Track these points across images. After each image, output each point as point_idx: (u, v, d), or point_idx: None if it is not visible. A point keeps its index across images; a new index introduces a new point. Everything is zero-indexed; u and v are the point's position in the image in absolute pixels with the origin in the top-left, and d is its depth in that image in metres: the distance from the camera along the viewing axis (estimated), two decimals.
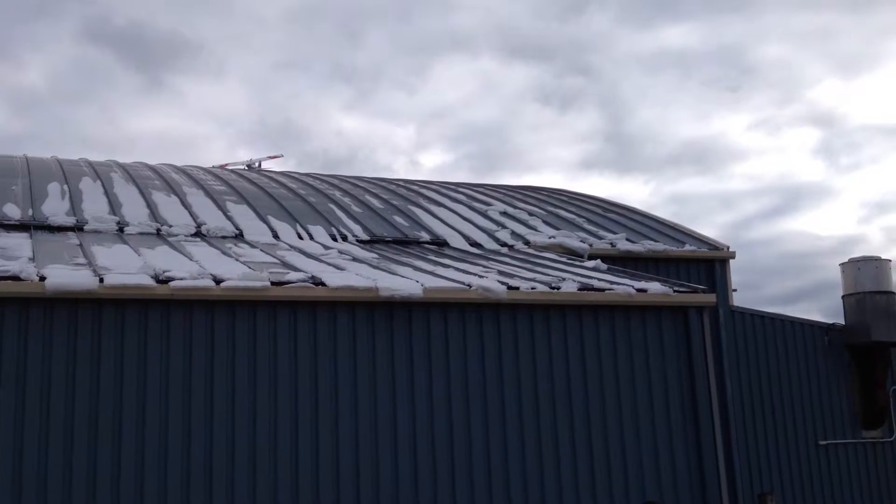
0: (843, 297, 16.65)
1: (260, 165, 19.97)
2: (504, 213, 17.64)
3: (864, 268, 16.46)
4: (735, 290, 17.66)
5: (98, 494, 8.85)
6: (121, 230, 13.68)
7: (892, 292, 16.41)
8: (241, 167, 19.77)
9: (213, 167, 19.66)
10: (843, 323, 16.45)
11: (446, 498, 9.89)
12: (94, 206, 14.56)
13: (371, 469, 9.73)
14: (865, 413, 16.09)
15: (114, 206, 14.73)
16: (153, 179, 17.13)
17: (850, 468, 15.78)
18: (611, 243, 15.94)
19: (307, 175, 20.17)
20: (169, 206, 15.21)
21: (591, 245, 15.65)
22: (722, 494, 10.76)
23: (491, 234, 16.03)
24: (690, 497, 10.72)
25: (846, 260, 16.82)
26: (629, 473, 10.56)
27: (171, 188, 16.46)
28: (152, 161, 19.60)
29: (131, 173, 17.43)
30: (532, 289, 10.78)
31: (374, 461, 9.75)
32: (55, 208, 14.13)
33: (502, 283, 10.80)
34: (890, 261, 16.69)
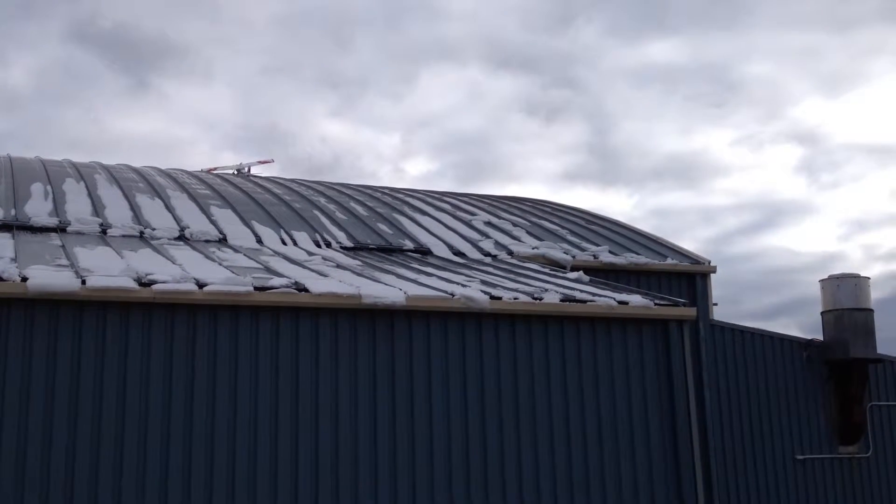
0: (822, 313, 16.80)
1: (249, 170, 19.73)
2: (488, 224, 17.70)
3: (843, 285, 16.62)
4: (716, 305, 17.79)
5: (76, 496, 8.79)
6: (104, 232, 13.63)
7: (871, 309, 16.57)
8: (231, 172, 19.54)
9: (202, 171, 19.53)
10: (822, 339, 16.61)
11: (425, 502, 9.91)
12: (78, 208, 14.50)
13: (351, 476, 9.72)
14: (843, 428, 16.22)
15: (97, 208, 14.68)
16: (137, 182, 17.08)
17: (827, 483, 15.90)
18: (593, 255, 16.03)
19: (292, 181, 20.17)
20: (152, 209, 15.17)
21: (574, 257, 15.74)
22: None
23: (475, 244, 16.08)
24: None
25: (826, 277, 16.99)
26: (607, 484, 10.61)
27: (155, 191, 16.42)
28: (137, 163, 19.55)
29: (115, 175, 17.38)
30: (515, 299, 10.83)
31: (353, 468, 9.75)
32: (38, 209, 14.06)
33: (485, 292, 10.84)
34: (869, 278, 16.87)
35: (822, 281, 17.01)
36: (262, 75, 62.58)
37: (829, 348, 16.33)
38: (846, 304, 16.44)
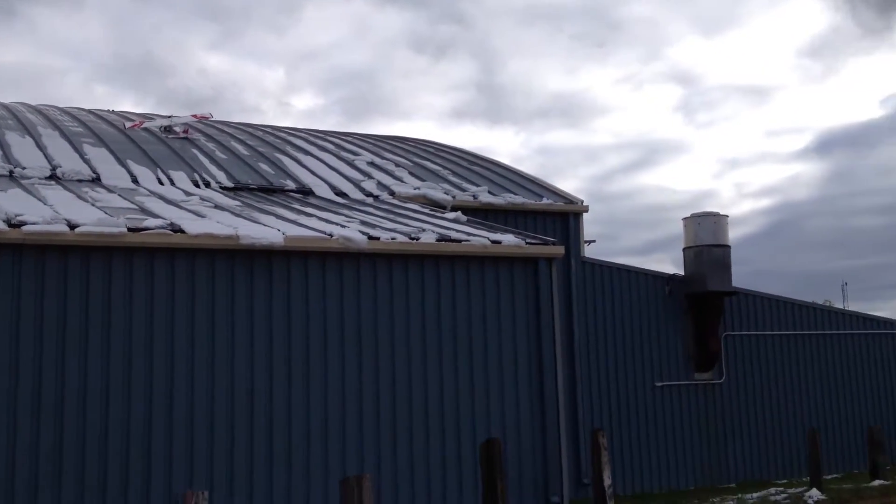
0: (683, 249, 17.90)
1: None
2: (371, 164, 17.91)
3: (703, 223, 17.72)
4: (593, 241, 18.69)
5: None
6: None
7: (728, 246, 17.77)
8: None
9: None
10: (683, 274, 17.73)
11: (301, 440, 10.30)
12: None
13: (227, 413, 10.00)
14: (699, 357, 17.48)
15: None
16: (6, 119, 16.46)
17: (683, 407, 17.19)
18: (473, 195, 16.52)
19: (169, 117, 19.72)
20: (23, 148, 14.71)
21: (454, 197, 16.18)
22: (560, 432, 11.63)
23: (357, 184, 16.29)
24: (531, 433, 11.54)
25: (688, 215, 18.05)
26: (476, 412, 11.26)
27: (25, 128, 15.88)
28: (6, 97, 18.70)
29: None
30: (392, 239, 11.20)
31: (230, 407, 10.02)
32: None
33: (363, 233, 11.16)
34: (727, 217, 18.02)
35: (684, 219, 18.07)
36: (134, 2, 59.66)
37: (688, 282, 17.47)
38: (706, 240, 17.56)
